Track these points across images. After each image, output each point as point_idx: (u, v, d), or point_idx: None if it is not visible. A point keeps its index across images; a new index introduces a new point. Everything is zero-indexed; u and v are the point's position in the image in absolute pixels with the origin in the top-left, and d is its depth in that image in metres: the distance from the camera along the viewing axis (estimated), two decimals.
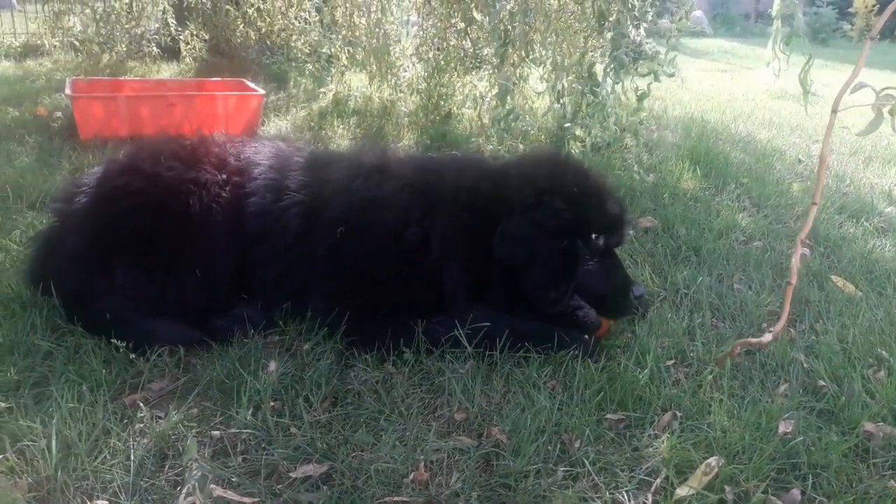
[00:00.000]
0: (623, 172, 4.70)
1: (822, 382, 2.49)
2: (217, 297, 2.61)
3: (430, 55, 6.38)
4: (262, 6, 8.11)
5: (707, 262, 3.47)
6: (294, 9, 8.02)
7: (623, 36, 4.60)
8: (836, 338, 2.78)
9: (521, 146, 5.02)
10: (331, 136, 5.46)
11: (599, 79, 4.99)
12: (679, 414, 2.27)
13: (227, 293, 2.65)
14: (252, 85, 5.88)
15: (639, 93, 4.87)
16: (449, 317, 2.53)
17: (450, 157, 3.82)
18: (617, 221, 2.72)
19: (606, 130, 5.00)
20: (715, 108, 7.60)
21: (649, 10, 4.88)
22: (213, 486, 1.88)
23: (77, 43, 8.46)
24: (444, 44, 6.29)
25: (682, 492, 1.93)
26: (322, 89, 6.57)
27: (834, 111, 2.23)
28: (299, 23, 7.99)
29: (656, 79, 4.79)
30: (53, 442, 1.94)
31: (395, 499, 1.88)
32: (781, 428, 2.20)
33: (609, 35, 4.97)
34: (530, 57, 5.53)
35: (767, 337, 2.44)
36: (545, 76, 5.45)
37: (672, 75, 4.82)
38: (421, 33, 6.74)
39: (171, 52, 8.50)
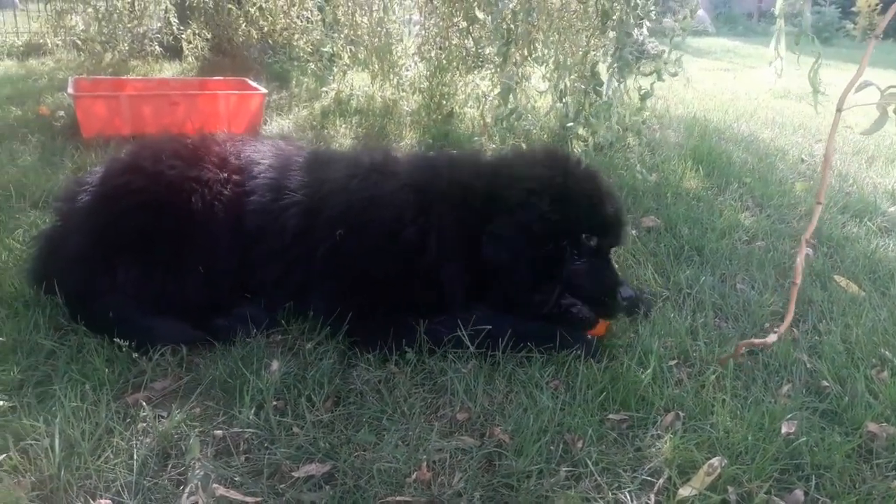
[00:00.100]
0: (626, 172, 4.69)
1: (825, 383, 2.48)
2: (219, 295, 2.62)
3: (433, 54, 6.38)
4: (264, 5, 8.11)
5: (710, 262, 3.46)
6: (296, 8, 8.01)
7: (628, 35, 4.59)
8: (839, 338, 2.77)
9: (523, 145, 5.01)
10: (333, 135, 5.46)
11: (602, 78, 5.00)
12: (682, 414, 2.27)
13: (228, 291, 2.65)
14: (254, 84, 5.88)
15: (642, 92, 4.86)
16: (451, 316, 2.52)
17: (447, 154, 3.81)
18: (612, 222, 2.68)
19: (609, 130, 4.99)
20: (717, 107, 7.59)
21: (652, 8, 4.88)
22: (215, 485, 1.88)
23: (79, 42, 8.47)
24: (447, 43, 6.29)
25: (684, 492, 1.93)
26: (324, 88, 6.57)
27: (838, 110, 2.22)
28: (301, 22, 7.98)
29: (659, 78, 4.78)
30: (56, 441, 1.94)
31: (398, 498, 1.88)
32: (784, 428, 2.19)
33: (612, 34, 4.97)
34: (533, 56, 5.51)
35: (772, 338, 2.44)
36: (547, 75, 5.45)
37: (675, 75, 4.81)
38: (423, 32, 6.73)
39: (173, 51, 8.50)
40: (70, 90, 5.16)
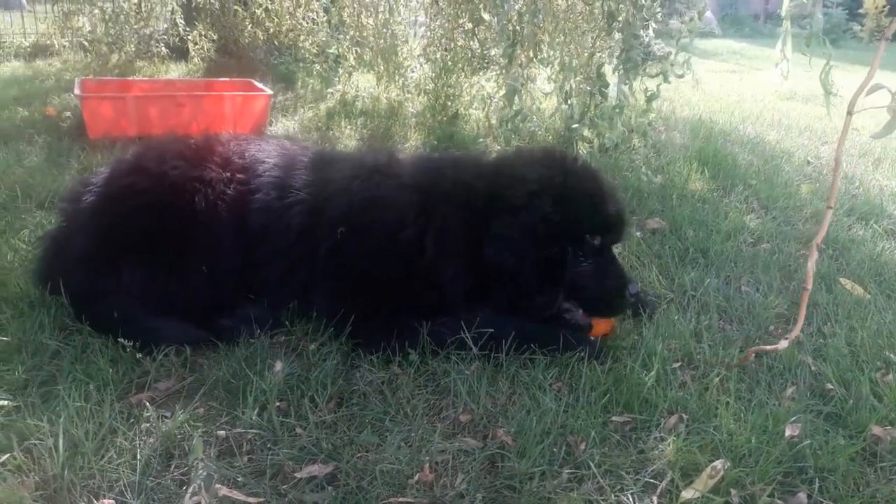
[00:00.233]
0: (631, 173, 4.69)
1: (829, 386, 2.48)
2: (222, 295, 2.62)
3: (438, 56, 6.38)
4: (270, 6, 8.12)
5: (715, 264, 3.45)
6: (302, 9, 8.02)
7: (636, 37, 4.59)
8: (844, 341, 2.76)
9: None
10: (338, 136, 5.46)
11: (608, 80, 4.99)
12: (685, 416, 2.26)
13: (232, 291, 2.65)
14: (260, 85, 5.89)
15: (648, 94, 4.86)
16: (454, 318, 2.52)
17: (450, 155, 3.81)
18: (613, 221, 2.68)
19: (614, 131, 4.98)
20: (723, 109, 7.57)
21: (658, 9, 4.87)
22: (218, 485, 1.89)
23: (86, 43, 8.50)
24: (452, 44, 6.29)
25: (687, 495, 1.93)
26: (329, 90, 6.58)
27: (849, 113, 2.21)
28: (307, 23, 8.00)
29: (666, 80, 4.77)
30: (60, 441, 1.94)
31: (400, 500, 1.88)
32: (788, 431, 2.19)
33: (618, 36, 4.96)
34: (538, 57, 5.52)
35: (783, 344, 2.43)
36: (553, 77, 5.45)
37: (682, 76, 4.80)
38: (428, 34, 6.73)
39: (179, 53, 8.52)
40: (76, 91, 5.18)
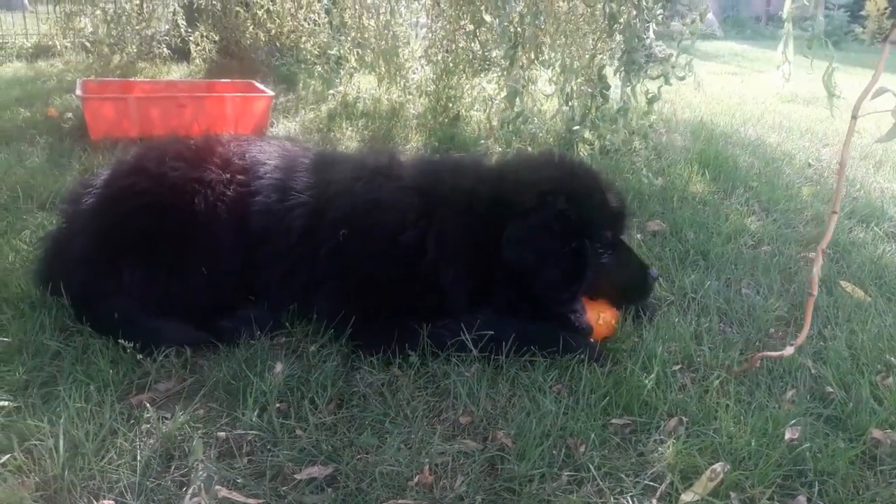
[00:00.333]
0: (632, 176, 4.69)
1: (829, 389, 2.47)
2: (223, 296, 2.63)
3: (439, 57, 6.38)
4: (271, 8, 8.14)
5: (715, 267, 3.45)
6: (303, 11, 8.04)
7: (639, 39, 4.59)
8: (844, 343, 2.76)
9: (529, 149, 5.01)
10: (339, 137, 5.47)
11: (610, 81, 4.99)
12: (685, 419, 2.26)
13: (232, 292, 2.66)
14: (261, 86, 5.90)
15: (649, 96, 4.86)
16: (455, 320, 2.52)
17: (451, 158, 3.82)
18: (620, 213, 2.79)
19: (617, 133, 4.99)
20: (724, 111, 7.57)
21: (660, 10, 4.87)
22: (218, 486, 1.89)
23: (88, 44, 8.52)
24: (453, 46, 6.29)
25: (687, 497, 1.93)
26: (331, 91, 6.58)
27: (854, 117, 2.20)
28: (309, 24, 8.01)
29: (667, 82, 4.77)
30: (61, 441, 1.95)
31: (400, 501, 1.89)
32: (788, 434, 2.18)
33: (619, 38, 4.97)
34: (539, 59, 5.52)
35: (789, 350, 2.42)
36: (554, 79, 5.45)
37: (683, 78, 4.80)
38: (430, 35, 6.74)
39: (181, 54, 8.54)
40: (78, 92, 5.19)
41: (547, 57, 5.57)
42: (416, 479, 1.96)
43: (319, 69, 7.46)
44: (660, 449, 2.13)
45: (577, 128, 5.09)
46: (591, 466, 2.02)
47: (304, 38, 8.13)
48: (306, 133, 5.61)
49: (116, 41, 8.31)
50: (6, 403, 2.13)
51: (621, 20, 4.74)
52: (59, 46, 8.63)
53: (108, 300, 2.49)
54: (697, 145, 5.65)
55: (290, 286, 2.67)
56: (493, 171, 2.87)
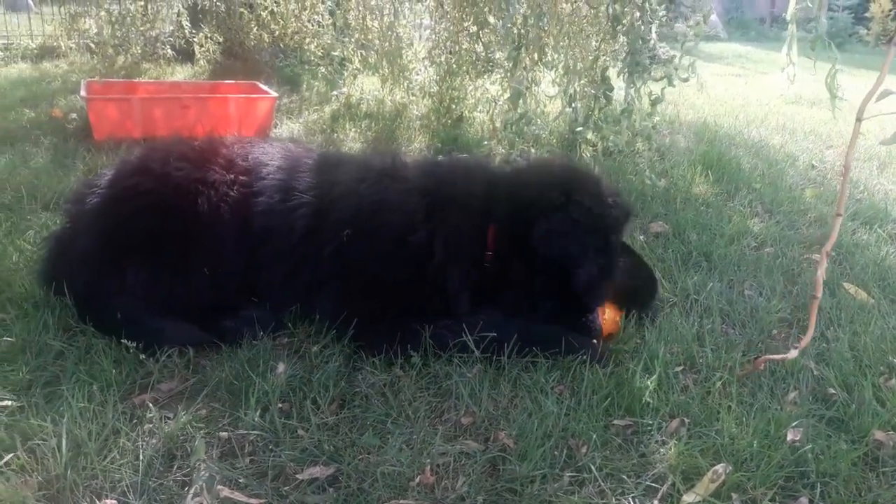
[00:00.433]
0: (635, 177, 4.69)
1: (832, 390, 2.47)
2: (225, 296, 2.63)
3: (443, 58, 6.39)
4: (275, 9, 8.14)
5: (718, 268, 3.45)
6: (307, 12, 8.05)
7: (643, 40, 4.59)
8: (847, 345, 2.76)
9: (532, 150, 5.01)
10: (343, 138, 5.48)
11: (613, 83, 4.99)
12: (687, 420, 2.26)
13: (235, 293, 2.66)
14: (265, 87, 5.91)
15: (652, 97, 4.85)
16: (457, 321, 2.53)
17: (456, 160, 3.83)
18: (629, 217, 2.83)
19: (621, 134, 4.99)
20: (728, 112, 7.56)
21: (663, 12, 4.86)
22: (220, 486, 1.89)
23: (92, 45, 8.53)
24: (457, 47, 6.29)
25: (688, 498, 1.93)
26: (334, 92, 6.59)
27: (858, 120, 2.20)
28: (312, 26, 8.02)
29: (670, 83, 4.77)
30: (64, 441, 1.95)
31: (401, 502, 1.89)
32: (790, 436, 2.18)
33: (622, 39, 4.97)
34: (543, 61, 5.51)
35: (793, 353, 2.42)
36: (557, 80, 5.45)
37: (686, 80, 4.80)
38: (433, 37, 6.74)
39: (185, 55, 8.55)
40: (82, 93, 5.20)
41: (550, 58, 5.57)
42: (417, 480, 1.96)
43: (323, 70, 7.47)
44: (661, 450, 2.13)
45: (580, 129, 5.09)
46: (592, 467, 2.03)
47: (307, 40, 8.14)
48: (310, 134, 5.61)
49: (121, 42, 8.32)
50: (10, 403, 2.14)
51: (625, 22, 4.74)
52: (63, 47, 8.66)
53: (112, 300, 2.50)
54: (701, 147, 5.65)
55: (292, 287, 2.68)
56: (507, 175, 2.92)
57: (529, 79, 5.20)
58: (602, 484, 1.98)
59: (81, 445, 1.98)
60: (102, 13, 8.30)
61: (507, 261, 2.61)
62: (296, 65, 8.28)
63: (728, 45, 17.35)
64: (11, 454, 1.93)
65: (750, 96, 9.06)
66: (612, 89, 4.99)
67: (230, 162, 2.77)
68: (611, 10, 4.74)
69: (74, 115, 5.57)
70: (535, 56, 5.28)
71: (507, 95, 5.07)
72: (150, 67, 8.10)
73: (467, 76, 6.36)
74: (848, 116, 2.30)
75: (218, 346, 2.52)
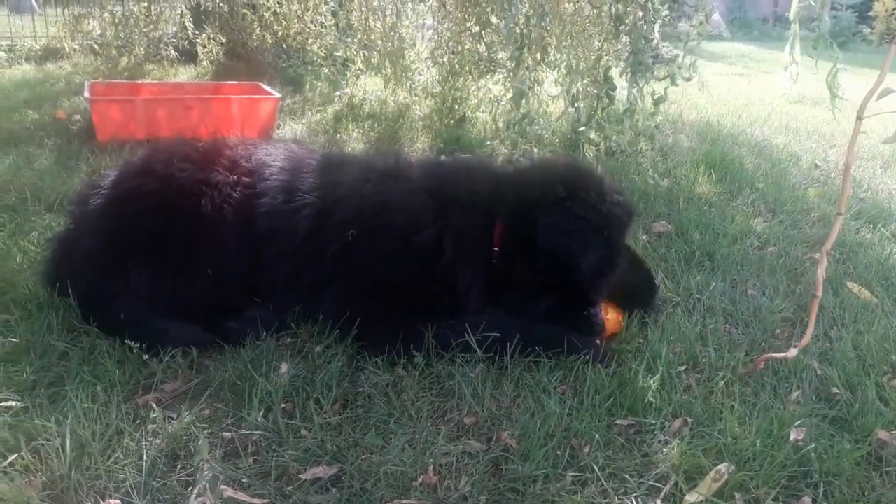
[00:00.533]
0: (638, 177, 4.69)
1: (835, 390, 2.47)
2: (229, 297, 2.64)
3: (445, 59, 6.39)
4: (278, 10, 8.15)
5: (721, 268, 3.45)
6: (310, 13, 8.05)
7: (645, 40, 4.58)
8: (850, 344, 2.75)
9: (535, 150, 5.01)
10: (345, 139, 5.48)
11: (616, 83, 4.98)
12: (690, 420, 2.26)
13: (238, 293, 2.67)
14: (268, 88, 5.92)
15: (655, 97, 4.85)
16: (460, 321, 2.53)
17: (460, 160, 3.84)
18: (632, 217, 2.83)
19: (622, 134, 4.99)
20: (731, 112, 7.55)
21: (666, 12, 4.86)
22: (223, 486, 1.89)
23: (96, 46, 8.54)
24: (459, 47, 6.29)
25: (691, 498, 1.93)
26: (337, 93, 6.59)
27: (859, 118, 2.20)
28: (315, 27, 8.02)
29: (673, 83, 4.77)
30: (68, 441, 1.96)
31: (404, 502, 1.89)
32: (793, 435, 2.18)
33: (625, 39, 4.96)
34: (545, 60, 5.51)
35: (793, 352, 2.42)
36: (560, 80, 5.44)
37: (689, 79, 4.79)
38: (436, 37, 6.74)
39: (188, 56, 8.56)
40: (86, 94, 5.21)
41: (553, 58, 5.56)
42: (420, 480, 1.97)
43: (326, 71, 7.46)
44: (664, 450, 2.13)
45: (582, 129, 5.09)
46: (595, 467, 2.03)
47: (310, 41, 8.13)
48: (313, 135, 5.62)
49: (124, 44, 8.34)
50: (14, 403, 2.15)
51: (627, 21, 4.74)
52: (67, 49, 8.66)
53: (116, 301, 2.51)
54: (704, 146, 5.64)
55: (295, 287, 2.68)
56: (511, 174, 2.92)
57: (532, 79, 5.19)
58: (605, 484, 1.98)
59: (85, 446, 1.99)
60: (106, 15, 8.31)
61: (512, 259, 2.62)
62: (298, 65, 8.29)
63: (731, 44, 17.31)
64: (16, 454, 1.94)
65: (753, 95, 9.04)
66: (614, 89, 4.98)
67: (233, 163, 2.78)
68: (613, 10, 4.73)
69: (78, 117, 5.59)
70: (538, 56, 5.28)
71: (509, 95, 5.07)
72: (153, 69, 8.11)
73: (470, 76, 6.35)
74: (851, 115, 2.30)
75: (221, 347, 2.52)
